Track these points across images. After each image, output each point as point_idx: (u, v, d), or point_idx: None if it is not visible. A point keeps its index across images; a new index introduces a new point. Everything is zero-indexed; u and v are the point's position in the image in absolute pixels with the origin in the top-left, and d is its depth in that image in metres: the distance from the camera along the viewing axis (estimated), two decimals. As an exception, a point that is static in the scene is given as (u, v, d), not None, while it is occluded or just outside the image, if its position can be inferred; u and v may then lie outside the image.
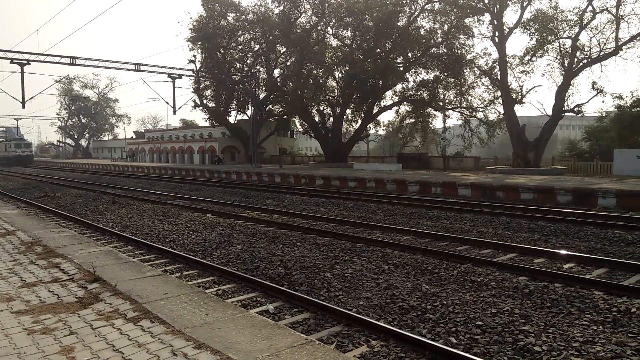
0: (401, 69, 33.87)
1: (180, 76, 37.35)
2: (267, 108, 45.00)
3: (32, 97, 34.36)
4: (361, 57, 34.09)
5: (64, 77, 73.11)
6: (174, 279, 6.42)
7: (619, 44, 24.27)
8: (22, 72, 30.93)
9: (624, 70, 74.66)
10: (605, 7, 24.79)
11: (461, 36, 31.11)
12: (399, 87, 35.44)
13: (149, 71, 35.28)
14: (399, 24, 32.25)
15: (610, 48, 24.89)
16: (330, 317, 5.97)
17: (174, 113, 40.33)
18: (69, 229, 11.26)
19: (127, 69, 34.29)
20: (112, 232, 11.99)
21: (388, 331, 5.35)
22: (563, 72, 26.64)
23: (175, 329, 4.46)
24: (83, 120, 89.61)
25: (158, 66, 35.69)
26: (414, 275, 7.76)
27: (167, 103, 39.26)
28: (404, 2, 31.44)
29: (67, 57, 31.68)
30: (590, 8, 25.00)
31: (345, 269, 8.03)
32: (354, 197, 18.78)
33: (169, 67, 36.37)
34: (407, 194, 20.66)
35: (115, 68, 34.22)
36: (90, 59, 32.84)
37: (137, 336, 4.30)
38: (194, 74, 40.17)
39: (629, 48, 24.72)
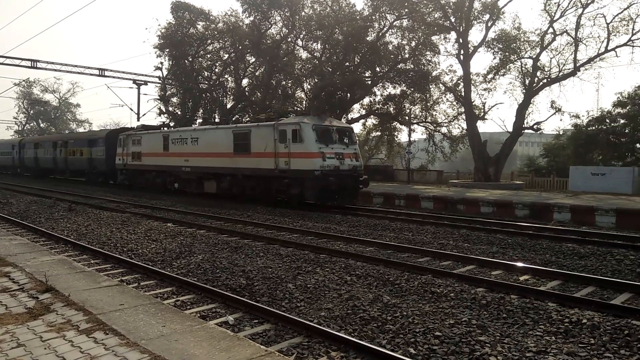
0: (369, 82, 34.36)
1: (146, 83, 36.83)
2: (235, 117, 44.74)
3: (-12, 100, 33.18)
4: (330, 69, 34.41)
5: (24, 80, 70.56)
6: (131, 290, 6.27)
7: (577, 65, 25.39)
8: (-22, 74, 29.79)
9: (581, 90, 78.29)
10: (565, 30, 25.95)
11: (428, 53, 31.89)
12: (366, 100, 35.94)
13: (114, 77, 34.67)
14: (368, 38, 32.74)
15: (569, 69, 26.02)
16: (291, 328, 5.94)
17: (138, 120, 39.37)
18: (21, 237, 10.84)
19: (91, 74, 33.62)
20: (68, 240, 11.59)
21: (348, 342, 5.36)
22: (524, 91, 27.63)
23: (131, 341, 4.34)
24: (42, 125, 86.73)
25: (123, 72, 35.13)
26: (376, 286, 7.81)
27: (131, 110, 38.39)
28: (374, 17, 31.97)
29: (28, 60, 30.81)
30: (551, 30, 26.09)
31: (308, 280, 8.01)
32: (318, 208, 18.80)
33: (135, 74, 35.88)
34: (371, 205, 20.85)
35: (79, 73, 33.46)
36: (53, 63, 32.06)
37: (90, 348, 4.17)
38: (160, 81, 39.60)
39: (586, 70, 25.89)
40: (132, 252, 10.49)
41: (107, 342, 4.31)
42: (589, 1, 24.38)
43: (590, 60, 25.31)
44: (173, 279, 8.07)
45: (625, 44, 24.20)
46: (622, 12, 23.87)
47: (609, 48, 24.43)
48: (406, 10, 30.12)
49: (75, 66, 33.17)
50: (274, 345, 5.47)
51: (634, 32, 23.70)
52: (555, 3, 25.52)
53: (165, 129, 27.23)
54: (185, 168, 23.19)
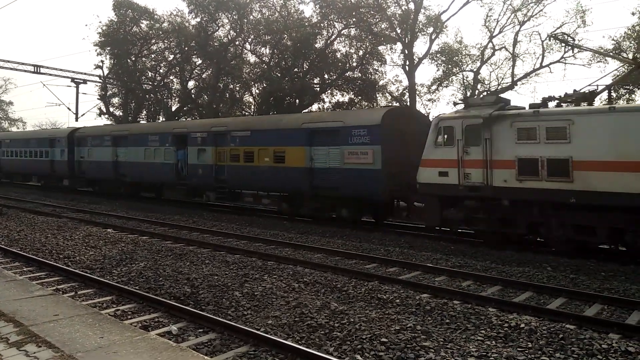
0: (317, 89, 34.60)
1: (85, 81, 35.35)
2: (180, 120, 43.72)
3: None
4: (279, 75, 34.37)
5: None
6: (67, 299, 5.94)
7: (514, 79, 26.73)
8: None
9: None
10: (503, 46, 27.25)
11: (375, 62, 32.53)
12: (314, 107, 36.14)
13: (50, 74, 33.08)
14: (316, 45, 32.99)
15: (507, 83, 27.35)
16: (237, 337, 5.82)
17: (76, 120, 37.44)
18: (-57, 243, 10.04)
19: (25, 71, 31.82)
20: (-3, 246, 10.86)
21: (295, 350, 5.31)
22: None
23: (65, 353, 4.10)
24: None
25: (61, 69, 33.55)
26: (324, 293, 7.81)
27: (69, 109, 36.65)
28: (322, 25, 32.26)
29: (-47, 52, 28.74)
30: (490, 45, 27.34)
31: (255, 288, 7.89)
32: (267, 214, 18.66)
33: (73, 72, 34.32)
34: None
35: (11, 69, 31.69)
36: (-18, 57, 30.06)
37: (19, 363, 3.89)
38: (100, 80, 38.04)
39: (522, 84, 27.30)
40: (69, 259, 9.96)
41: (39, 355, 4.05)
42: (526, 19, 25.80)
43: (526, 75, 26.72)
44: (113, 288, 7.72)
45: (558, 61, 25.71)
46: (555, 30, 25.38)
47: (543, 64, 25.89)
48: (354, 19, 30.60)
49: (8, 61, 31.35)
50: (219, 355, 5.35)
51: (566, 50, 25.23)
52: (494, 20, 26.82)
53: None
54: None
